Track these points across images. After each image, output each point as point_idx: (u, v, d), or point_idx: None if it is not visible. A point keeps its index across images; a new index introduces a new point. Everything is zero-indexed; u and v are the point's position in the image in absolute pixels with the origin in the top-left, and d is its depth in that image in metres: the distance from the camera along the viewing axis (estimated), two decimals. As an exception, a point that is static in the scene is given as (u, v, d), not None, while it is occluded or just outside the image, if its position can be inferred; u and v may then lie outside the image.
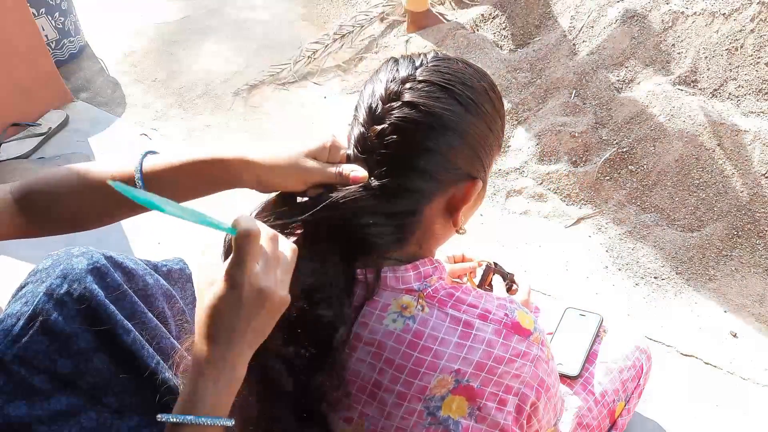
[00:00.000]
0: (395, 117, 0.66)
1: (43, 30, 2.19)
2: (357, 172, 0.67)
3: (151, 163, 0.72)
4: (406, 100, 0.67)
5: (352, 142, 0.71)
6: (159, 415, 0.58)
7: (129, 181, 0.71)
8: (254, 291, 0.57)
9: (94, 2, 2.71)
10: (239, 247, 0.56)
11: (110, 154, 1.99)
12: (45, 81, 2.10)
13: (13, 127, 2.00)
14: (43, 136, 2.01)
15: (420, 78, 0.68)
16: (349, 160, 0.71)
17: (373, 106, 0.68)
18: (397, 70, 0.70)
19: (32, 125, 2.03)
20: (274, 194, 0.72)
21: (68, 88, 2.20)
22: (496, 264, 1.07)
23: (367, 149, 0.69)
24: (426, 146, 0.67)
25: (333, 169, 0.68)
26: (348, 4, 2.55)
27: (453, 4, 2.38)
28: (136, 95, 2.27)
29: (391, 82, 0.68)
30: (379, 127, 0.67)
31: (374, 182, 0.67)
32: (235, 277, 0.57)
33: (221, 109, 2.19)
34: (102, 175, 0.73)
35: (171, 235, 1.67)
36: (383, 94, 0.68)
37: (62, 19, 2.27)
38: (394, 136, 0.66)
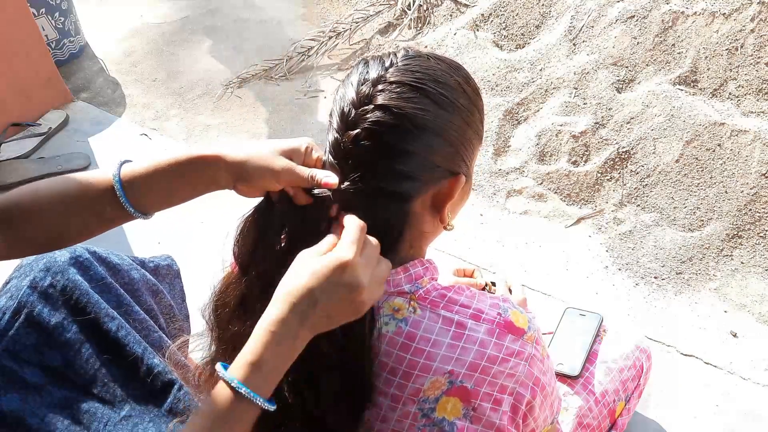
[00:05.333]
0: (369, 121, 0.65)
1: (43, 30, 2.19)
2: (330, 178, 0.66)
3: (129, 169, 0.70)
4: (378, 103, 0.65)
5: (328, 148, 0.70)
6: (219, 367, 0.61)
7: (108, 189, 0.70)
8: (350, 279, 0.60)
9: (94, 2, 2.71)
10: (352, 234, 0.61)
11: (110, 154, 1.99)
12: (45, 81, 2.10)
13: (13, 127, 2.00)
14: (43, 136, 2.01)
15: (391, 79, 0.66)
16: (324, 166, 0.70)
17: (346, 110, 0.67)
18: (368, 72, 0.68)
19: (32, 125, 2.03)
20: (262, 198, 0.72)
21: (68, 88, 2.20)
22: (494, 284, 1.08)
23: (342, 155, 0.67)
24: (402, 149, 0.66)
25: (306, 172, 0.67)
26: (348, 4, 2.54)
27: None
28: (136, 95, 2.27)
29: (362, 85, 0.67)
30: (353, 133, 0.66)
31: (351, 188, 0.66)
32: (342, 258, 0.60)
33: (221, 109, 2.19)
34: (80, 188, 0.70)
35: (170, 235, 1.67)
36: (355, 98, 0.67)
37: (62, 19, 2.27)
38: (369, 141, 0.65)
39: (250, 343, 0.60)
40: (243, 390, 0.58)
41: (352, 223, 0.63)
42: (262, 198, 0.72)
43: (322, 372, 0.65)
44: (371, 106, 0.65)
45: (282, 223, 0.70)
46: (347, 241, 0.61)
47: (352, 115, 0.66)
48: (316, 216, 0.69)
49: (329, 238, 0.64)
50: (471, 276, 1.11)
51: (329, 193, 0.67)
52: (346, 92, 0.68)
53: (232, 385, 0.59)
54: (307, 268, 0.61)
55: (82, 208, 0.71)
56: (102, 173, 0.71)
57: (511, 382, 0.66)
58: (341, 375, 0.65)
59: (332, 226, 0.67)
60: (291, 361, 0.61)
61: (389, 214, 0.68)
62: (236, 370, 0.60)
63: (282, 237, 0.70)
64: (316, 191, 0.68)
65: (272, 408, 0.61)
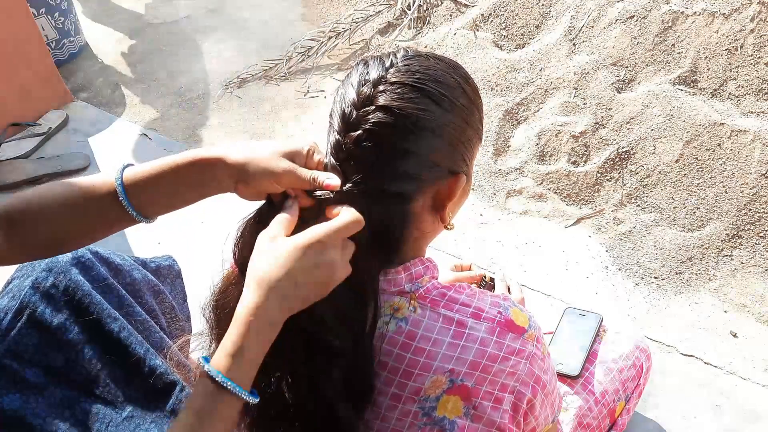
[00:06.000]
0: (370, 122, 0.65)
1: (43, 30, 2.19)
2: (331, 180, 0.66)
3: (132, 173, 0.70)
4: (379, 104, 0.65)
5: (329, 149, 0.70)
6: (200, 359, 0.61)
7: (111, 193, 0.69)
8: (327, 258, 0.60)
9: (94, 2, 2.71)
10: (338, 222, 0.62)
11: (110, 154, 1.99)
12: (45, 81, 2.10)
13: (13, 127, 2.00)
14: (43, 136, 2.01)
15: (392, 79, 0.66)
16: (326, 168, 0.69)
17: (347, 112, 0.67)
18: (368, 72, 0.68)
19: (32, 125, 2.03)
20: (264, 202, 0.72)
21: (68, 88, 2.20)
22: (492, 279, 1.08)
23: (344, 156, 0.67)
24: (404, 149, 0.65)
25: (307, 174, 0.67)
26: (348, 4, 2.55)
27: None
28: (136, 95, 2.27)
29: (363, 86, 0.66)
30: (355, 134, 0.65)
31: (354, 189, 0.66)
32: (319, 237, 0.60)
33: (221, 109, 2.19)
34: (83, 192, 0.70)
35: (170, 235, 1.67)
36: (356, 99, 0.66)
37: (62, 19, 2.27)
38: (371, 142, 0.65)
39: (230, 333, 0.60)
40: (229, 384, 0.58)
41: (346, 216, 0.63)
42: (263, 201, 0.71)
43: (322, 372, 0.65)
44: (373, 107, 0.65)
45: None
46: (329, 225, 0.62)
47: (354, 116, 0.66)
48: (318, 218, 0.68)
49: (281, 218, 0.64)
50: (469, 269, 1.11)
51: (331, 195, 0.67)
52: (347, 93, 0.68)
53: (216, 379, 0.59)
54: (281, 250, 0.61)
55: (86, 213, 0.70)
56: (104, 177, 0.71)
57: (512, 381, 0.66)
58: (342, 375, 0.65)
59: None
60: (268, 347, 0.61)
61: (391, 215, 0.68)
62: (218, 362, 0.60)
63: None
64: (317, 193, 0.67)
65: (256, 400, 0.61)
